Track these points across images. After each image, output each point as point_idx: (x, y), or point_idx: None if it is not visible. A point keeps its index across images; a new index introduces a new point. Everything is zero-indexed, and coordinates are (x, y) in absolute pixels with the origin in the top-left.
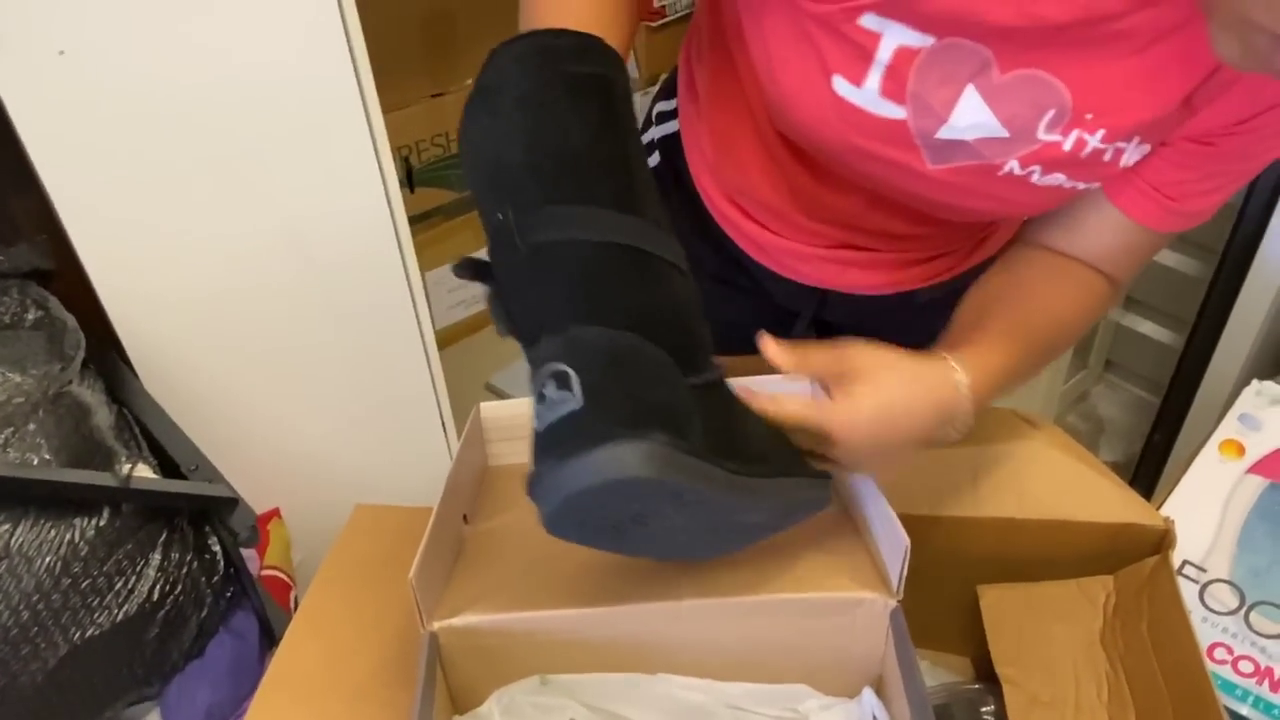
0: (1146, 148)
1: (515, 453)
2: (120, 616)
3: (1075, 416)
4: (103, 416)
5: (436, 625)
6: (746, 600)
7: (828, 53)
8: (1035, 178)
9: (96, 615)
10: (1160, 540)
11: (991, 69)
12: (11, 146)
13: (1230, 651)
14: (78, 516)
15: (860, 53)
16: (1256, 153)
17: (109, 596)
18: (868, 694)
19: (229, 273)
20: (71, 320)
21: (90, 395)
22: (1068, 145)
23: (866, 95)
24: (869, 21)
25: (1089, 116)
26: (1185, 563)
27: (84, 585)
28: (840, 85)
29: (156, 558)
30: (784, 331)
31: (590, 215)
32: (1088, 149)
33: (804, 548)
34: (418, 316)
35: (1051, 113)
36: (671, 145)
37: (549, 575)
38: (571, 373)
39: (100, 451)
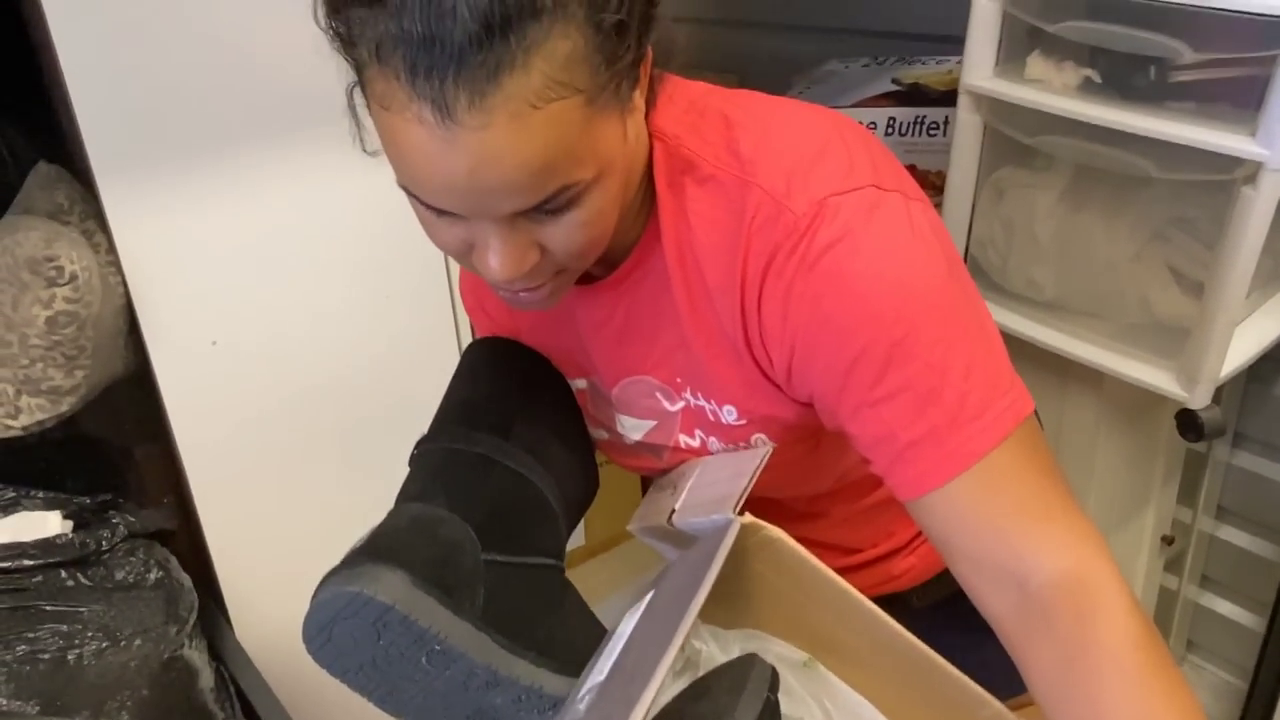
0: (731, 409)
1: None
2: None
3: None
4: (206, 678)
5: (747, 518)
6: None
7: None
8: (709, 446)
9: None
10: None
11: (607, 390)
12: (157, 412)
13: None
14: None
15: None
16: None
17: None
18: None
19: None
20: (188, 581)
21: (197, 657)
22: (691, 407)
23: (591, 427)
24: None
25: (678, 380)
26: None
27: None
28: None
29: None
30: None
31: (462, 433)
32: (694, 405)
33: None
34: None
35: (658, 393)
36: None
37: None
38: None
39: (203, 717)
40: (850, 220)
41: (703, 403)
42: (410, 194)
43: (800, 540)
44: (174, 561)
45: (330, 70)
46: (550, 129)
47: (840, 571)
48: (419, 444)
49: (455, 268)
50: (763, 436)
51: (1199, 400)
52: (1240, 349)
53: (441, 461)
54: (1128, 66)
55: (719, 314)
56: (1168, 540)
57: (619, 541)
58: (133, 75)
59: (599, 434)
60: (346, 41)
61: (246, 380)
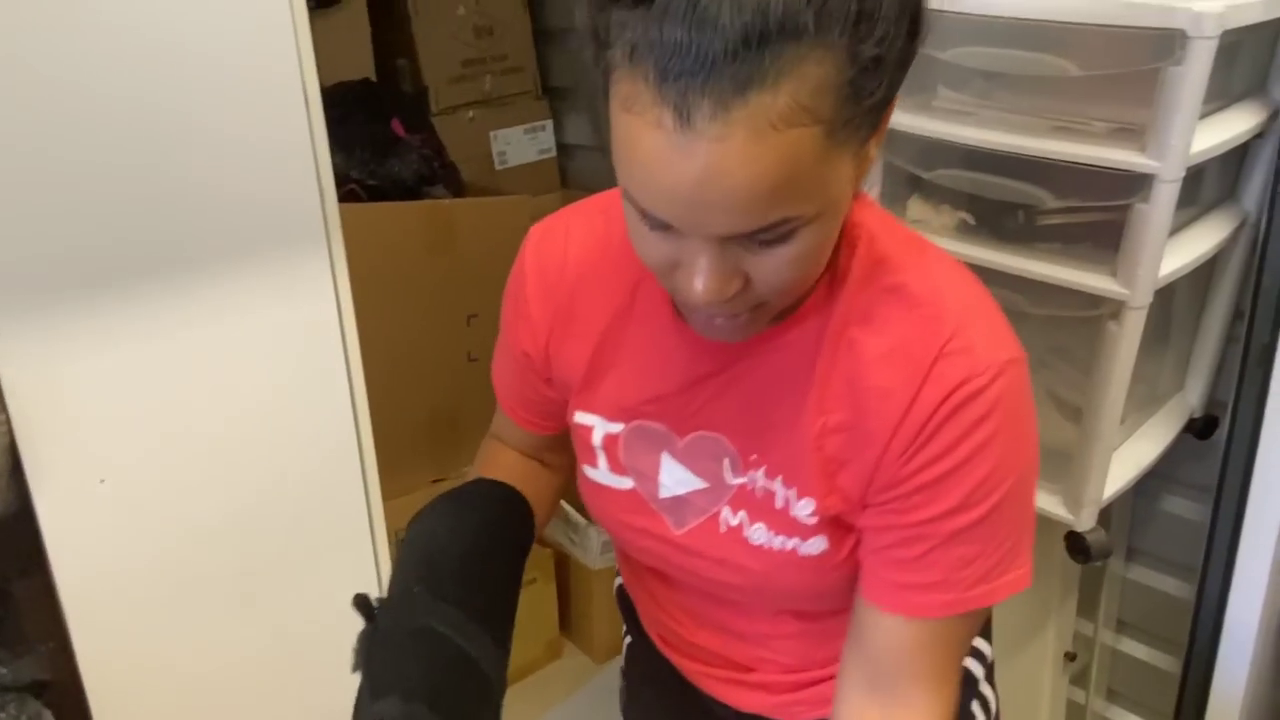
0: (810, 503)
1: None
2: None
3: None
4: None
5: None
6: None
7: (578, 448)
8: (747, 532)
9: None
10: None
11: (672, 438)
12: (38, 554)
13: None
14: None
15: (586, 443)
16: (916, 525)
17: None
18: None
19: (222, 687)
20: None
21: None
22: (752, 487)
23: (602, 473)
24: (581, 418)
25: (754, 458)
26: None
27: None
28: (589, 471)
29: None
30: None
31: (439, 610)
32: (759, 487)
33: None
34: None
35: (727, 460)
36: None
37: None
38: None
39: None
40: (1018, 387)
41: (774, 488)
42: (631, 201)
43: (750, 653)
44: (47, 716)
45: (225, 201)
46: (785, 154)
47: (776, 689)
48: (391, 610)
49: (361, 400)
50: (822, 538)
51: (1084, 523)
52: (1120, 472)
53: (413, 648)
54: (998, 210)
55: (863, 417)
56: (1070, 656)
57: (530, 671)
58: (22, 209)
59: (622, 482)
60: (602, 42)
61: (136, 520)
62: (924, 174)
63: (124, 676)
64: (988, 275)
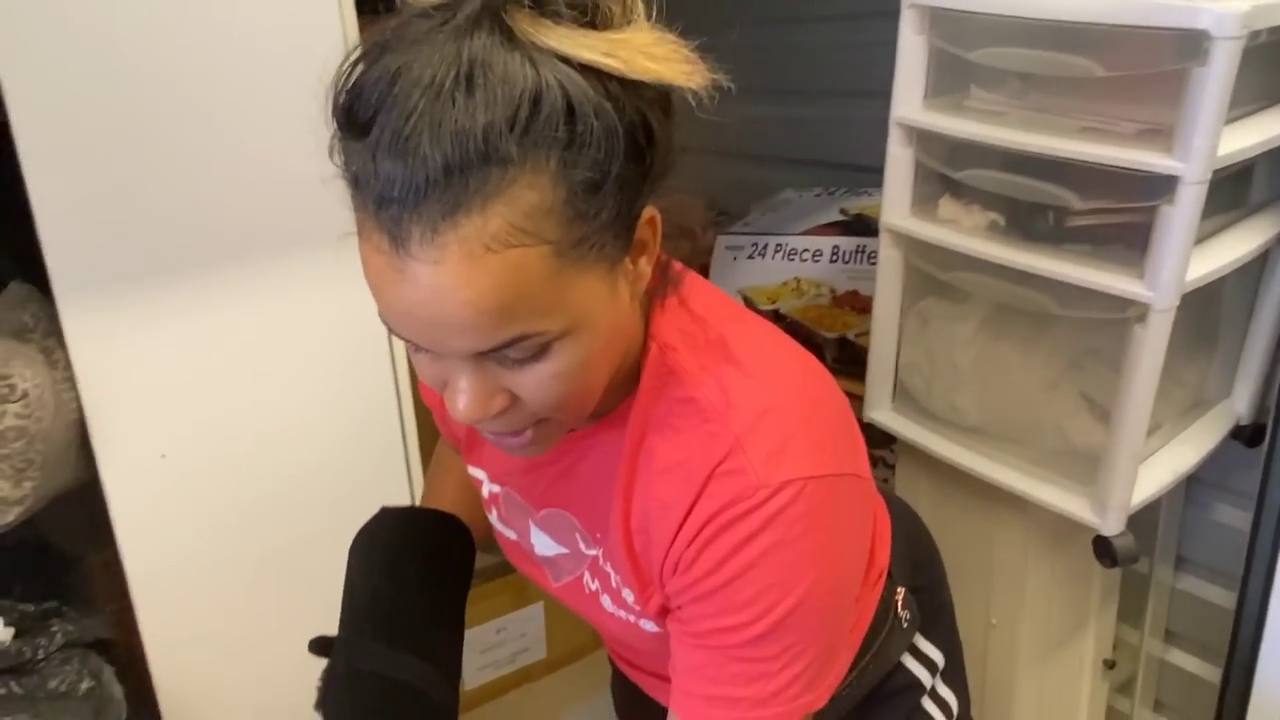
0: (629, 593)
1: None
2: None
3: None
4: None
5: None
6: None
7: (482, 496)
8: (600, 599)
9: None
10: None
11: (530, 510)
12: (106, 522)
13: None
14: None
15: (480, 493)
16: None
17: None
18: None
19: (269, 652)
20: (119, 692)
21: None
22: (600, 562)
23: (497, 522)
24: (473, 471)
25: (598, 536)
26: None
27: None
28: (491, 516)
29: None
30: None
31: (387, 656)
32: (603, 564)
33: None
34: None
35: (578, 535)
36: None
37: None
38: None
39: None
40: (800, 508)
41: (609, 570)
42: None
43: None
44: (108, 672)
45: (283, 192)
46: (505, 274)
47: None
48: (343, 652)
49: (405, 385)
50: (650, 623)
51: (1111, 528)
52: (1153, 477)
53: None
54: (1029, 211)
55: (650, 524)
56: (1109, 664)
57: (582, 654)
58: (94, 197)
59: (507, 532)
60: (344, 170)
61: (194, 493)
62: (955, 174)
63: (180, 638)
64: (1016, 276)
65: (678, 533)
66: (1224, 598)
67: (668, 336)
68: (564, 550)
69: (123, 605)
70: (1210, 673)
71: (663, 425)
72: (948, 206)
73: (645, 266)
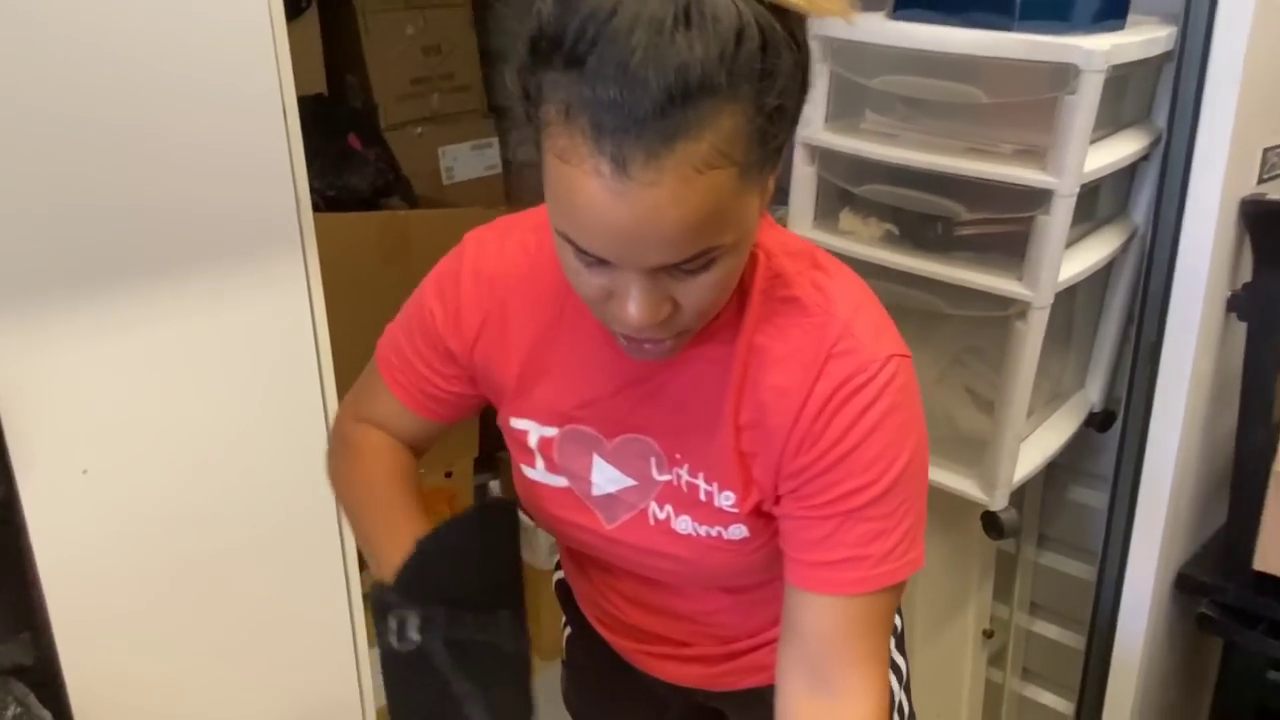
0: (730, 495)
1: None
2: None
3: None
4: None
5: None
6: None
7: (514, 450)
8: (674, 523)
9: None
10: None
11: (602, 441)
12: (20, 542)
13: None
14: None
15: (523, 445)
16: (824, 507)
17: None
18: None
19: (197, 672)
20: (48, 716)
21: None
22: (677, 483)
23: (539, 473)
24: (517, 423)
25: (678, 456)
26: None
27: None
28: (527, 470)
29: None
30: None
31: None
32: (684, 482)
33: None
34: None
35: (653, 459)
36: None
37: None
38: None
39: None
40: (901, 379)
41: (699, 482)
42: (567, 240)
43: (685, 628)
44: (33, 697)
45: (207, 206)
46: (708, 193)
47: (712, 660)
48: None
49: (332, 400)
50: (742, 526)
51: (998, 503)
52: (1029, 459)
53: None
54: (921, 222)
55: (765, 415)
56: (988, 633)
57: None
58: (10, 211)
59: (556, 480)
60: (534, 100)
61: (115, 509)
62: (854, 189)
63: (102, 662)
64: (910, 280)
65: (799, 414)
66: (1084, 570)
67: (769, 245)
68: (630, 483)
69: (36, 630)
70: (1074, 640)
71: (770, 323)
72: (848, 219)
73: (773, 184)
